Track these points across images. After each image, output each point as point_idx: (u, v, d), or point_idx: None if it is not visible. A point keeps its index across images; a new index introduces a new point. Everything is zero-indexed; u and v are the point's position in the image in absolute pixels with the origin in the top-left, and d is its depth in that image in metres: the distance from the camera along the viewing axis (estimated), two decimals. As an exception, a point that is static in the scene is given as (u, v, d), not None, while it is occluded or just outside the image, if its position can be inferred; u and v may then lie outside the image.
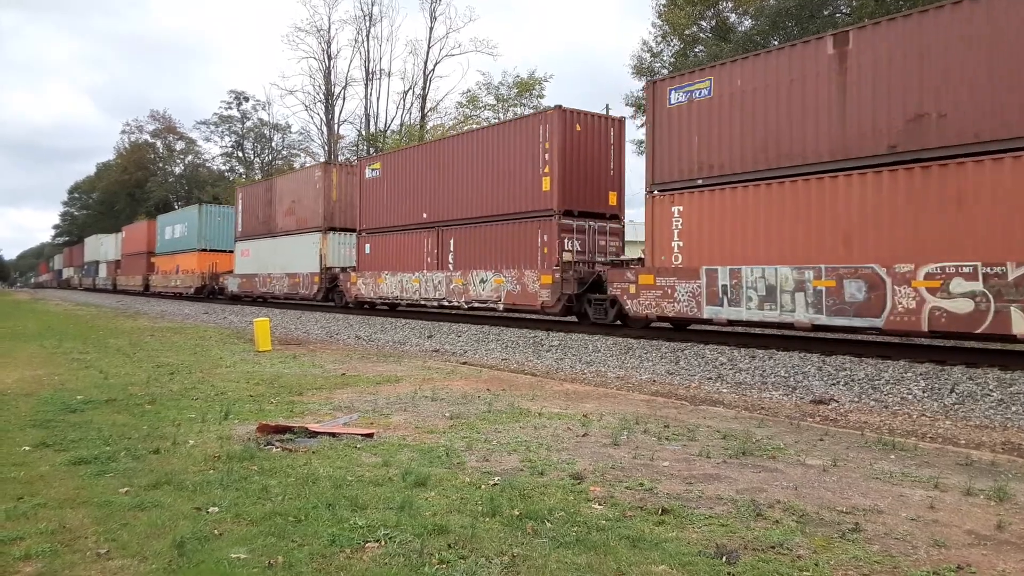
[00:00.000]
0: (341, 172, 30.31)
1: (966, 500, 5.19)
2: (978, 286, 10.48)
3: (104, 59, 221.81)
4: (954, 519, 4.78)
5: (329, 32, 65.26)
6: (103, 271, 67.54)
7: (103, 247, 68.56)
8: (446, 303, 22.14)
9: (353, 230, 28.22)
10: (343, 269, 28.54)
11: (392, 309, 27.34)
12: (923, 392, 9.94)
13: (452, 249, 22.10)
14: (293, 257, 31.61)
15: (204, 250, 42.87)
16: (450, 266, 22.11)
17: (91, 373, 11.64)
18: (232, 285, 38.01)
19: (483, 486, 5.38)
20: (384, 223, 25.64)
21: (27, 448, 6.53)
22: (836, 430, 7.90)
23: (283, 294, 32.18)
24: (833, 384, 10.78)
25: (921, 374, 10.72)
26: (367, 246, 26.48)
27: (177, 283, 45.70)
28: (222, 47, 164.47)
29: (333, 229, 29.50)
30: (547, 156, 18.57)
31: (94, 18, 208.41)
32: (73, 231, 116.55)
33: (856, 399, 9.99)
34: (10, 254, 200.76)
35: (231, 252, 40.28)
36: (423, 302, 23.09)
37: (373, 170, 26.44)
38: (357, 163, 28.85)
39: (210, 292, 41.64)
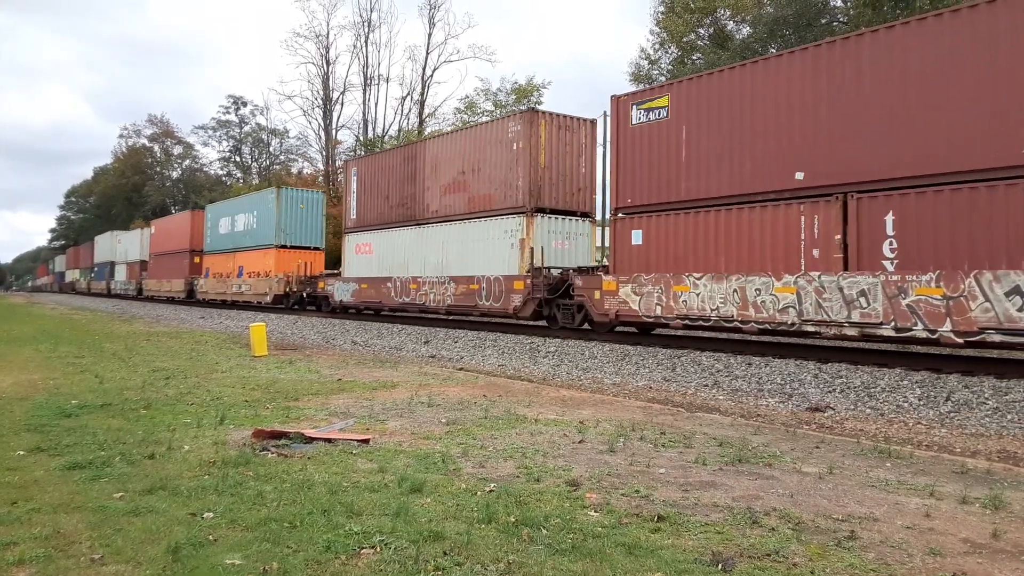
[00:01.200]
0: (552, 125, 20.34)
1: (962, 508, 5.20)
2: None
3: (100, 62, 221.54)
4: (950, 527, 4.78)
5: (328, 38, 65.54)
6: (121, 273, 59.13)
7: (121, 245, 60.18)
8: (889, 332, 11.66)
9: (570, 213, 20.48)
10: (579, 270, 18.38)
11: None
12: (919, 400, 9.95)
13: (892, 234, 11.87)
14: (465, 253, 21.86)
15: (284, 247, 33.30)
16: (887, 264, 11.91)
17: (86, 377, 11.61)
18: (342, 293, 27.72)
19: (479, 492, 5.37)
20: (687, 193, 15.23)
21: (21, 453, 6.51)
22: (832, 438, 7.91)
23: (445, 307, 22.08)
24: (829, 392, 10.79)
25: (917, 382, 10.74)
26: (638, 232, 16.21)
27: (243, 289, 35.74)
28: (220, 51, 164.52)
29: (541, 211, 19.97)
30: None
31: (89, 20, 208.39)
32: (70, 235, 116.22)
33: (852, 407, 9.99)
34: (6, 257, 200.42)
35: (317, 250, 34.06)
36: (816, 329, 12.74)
37: (648, 110, 16.23)
38: (614, 102, 17.07)
39: (298, 301, 32.18)
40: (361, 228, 27.58)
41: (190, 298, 43.11)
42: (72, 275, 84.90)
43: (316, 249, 34.18)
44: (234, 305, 37.78)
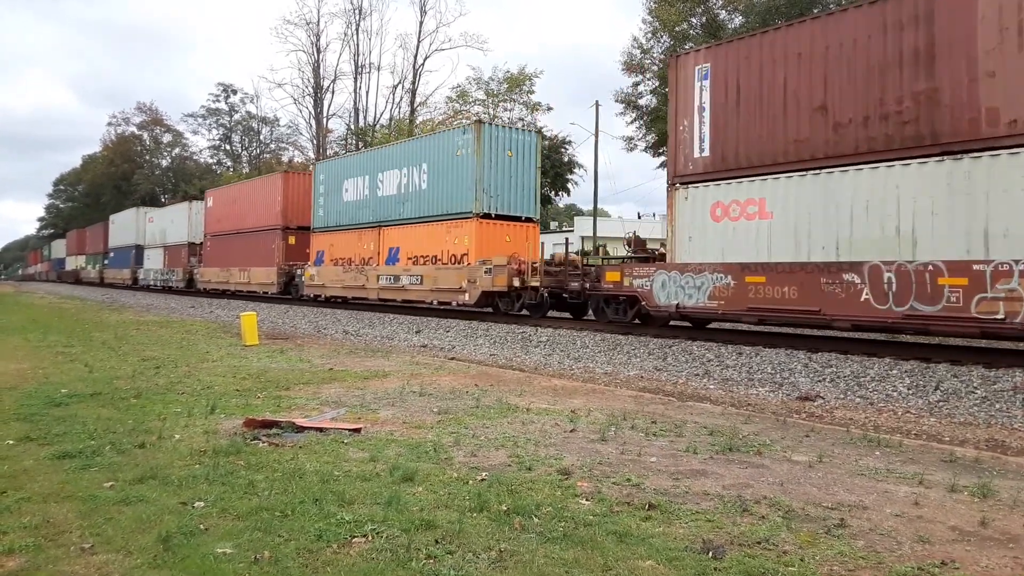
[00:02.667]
0: None
1: (950, 497, 5.24)
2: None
3: (82, 47, 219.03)
4: (938, 515, 4.82)
5: (318, 25, 65.11)
6: (156, 259, 47.05)
7: (155, 225, 48.23)
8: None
9: None
10: None
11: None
12: (908, 389, 10.01)
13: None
14: None
15: (488, 217, 20.98)
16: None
17: (76, 367, 11.55)
18: (679, 293, 14.90)
19: (471, 481, 5.38)
20: None
21: (11, 442, 6.47)
22: (822, 427, 7.95)
23: None
24: (819, 381, 10.85)
25: (906, 371, 10.80)
26: None
27: (407, 283, 23.15)
28: (207, 39, 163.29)
29: None
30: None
31: (71, 4, 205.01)
32: (59, 223, 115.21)
33: (842, 396, 10.05)
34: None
35: (531, 222, 21.88)
36: None
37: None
38: None
39: (535, 304, 20.00)
40: (728, 173, 14.24)
41: (288, 295, 31.26)
42: (75, 262, 73.53)
43: (530, 221, 21.75)
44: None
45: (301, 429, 6.98)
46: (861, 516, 4.77)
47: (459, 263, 21.07)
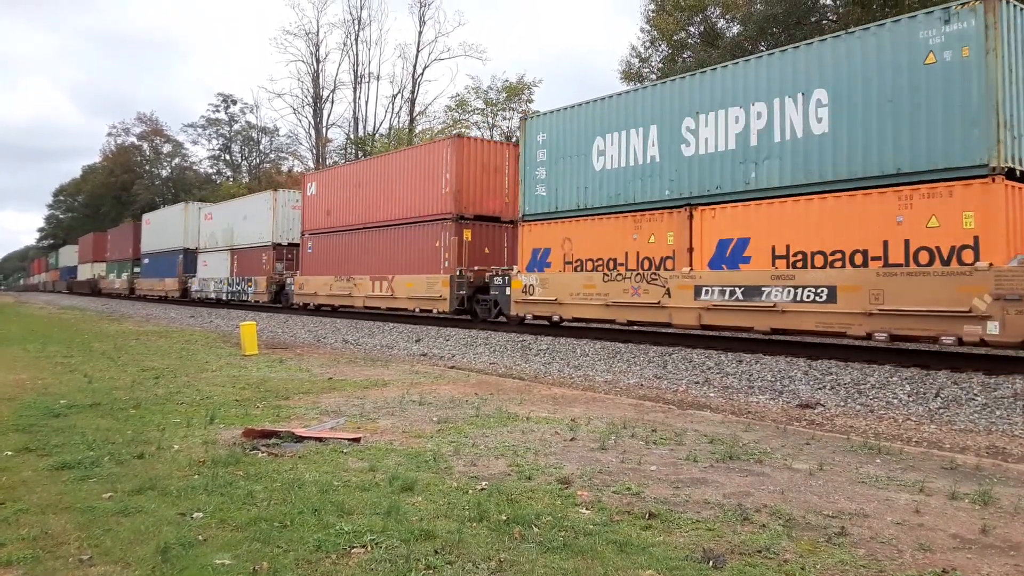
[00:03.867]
0: None
1: (951, 504, 5.22)
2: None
3: (81, 56, 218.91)
4: (939, 523, 4.80)
5: (318, 35, 65.24)
6: (215, 267, 37.56)
7: (215, 224, 38.60)
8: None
9: None
10: None
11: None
12: (908, 397, 10.00)
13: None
14: None
15: (1014, 175, 10.62)
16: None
17: (75, 377, 11.53)
18: None
19: (470, 491, 5.36)
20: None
21: (9, 453, 6.46)
22: (822, 434, 7.94)
23: None
24: (819, 388, 10.83)
25: (906, 379, 10.79)
26: None
27: (811, 298, 12.31)
28: (207, 48, 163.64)
29: None
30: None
31: (70, 13, 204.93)
32: (58, 234, 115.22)
33: (842, 403, 10.03)
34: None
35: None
36: None
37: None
38: None
39: None
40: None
41: (467, 314, 21.79)
42: (92, 271, 63.99)
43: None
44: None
45: (300, 439, 6.96)
46: (862, 524, 4.75)
47: (946, 261, 10.91)
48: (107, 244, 60.58)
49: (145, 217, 50.81)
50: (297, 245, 31.57)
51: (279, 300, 32.41)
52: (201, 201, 46.95)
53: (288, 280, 31.38)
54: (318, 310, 29.57)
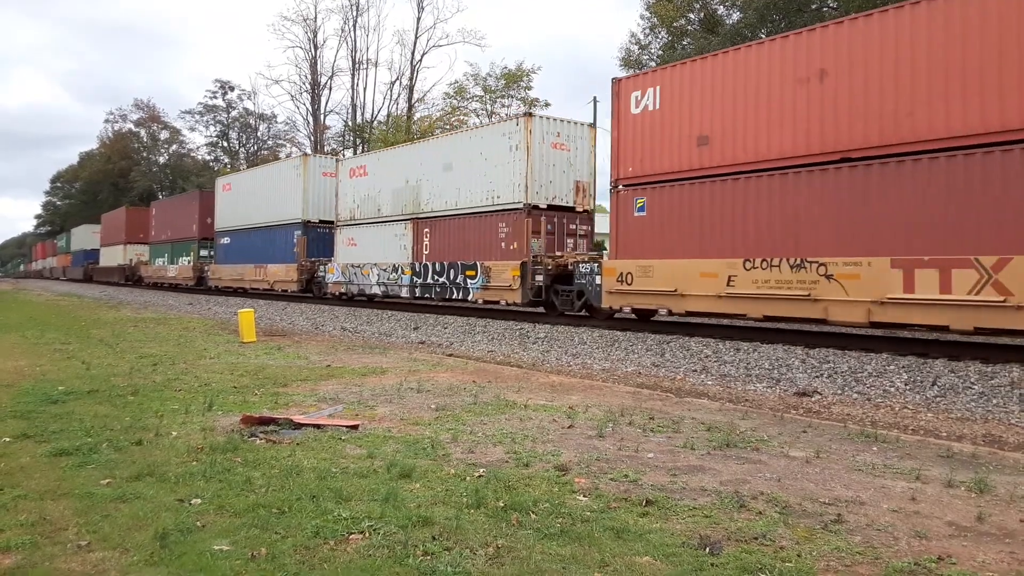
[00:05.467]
0: None
1: (947, 492, 5.24)
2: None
3: (72, 45, 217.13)
4: (935, 510, 4.82)
5: (315, 21, 64.95)
6: (381, 246, 24.64)
7: (367, 186, 25.75)
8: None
9: None
10: None
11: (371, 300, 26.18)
12: (905, 385, 10.02)
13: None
14: None
15: None
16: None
17: (73, 364, 11.53)
18: None
19: (468, 478, 5.38)
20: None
21: (7, 439, 6.46)
22: (819, 422, 7.96)
23: None
24: (816, 376, 10.85)
25: (904, 367, 10.81)
26: None
27: None
28: (203, 35, 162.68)
29: None
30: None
31: (59, 1, 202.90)
32: (56, 221, 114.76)
33: (839, 391, 10.06)
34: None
35: None
36: None
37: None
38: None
39: None
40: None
41: None
42: (127, 254, 52.15)
43: None
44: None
45: (298, 426, 6.97)
46: (858, 511, 4.77)
47: None
48: (150, 221, 48.49)
49: (222, 182, 38.13)
50: (562, 209, 19.76)
51: (546, 302, 18.81)
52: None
53: (589, 268, 17.14)
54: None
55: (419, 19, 61.77)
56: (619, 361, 12.99)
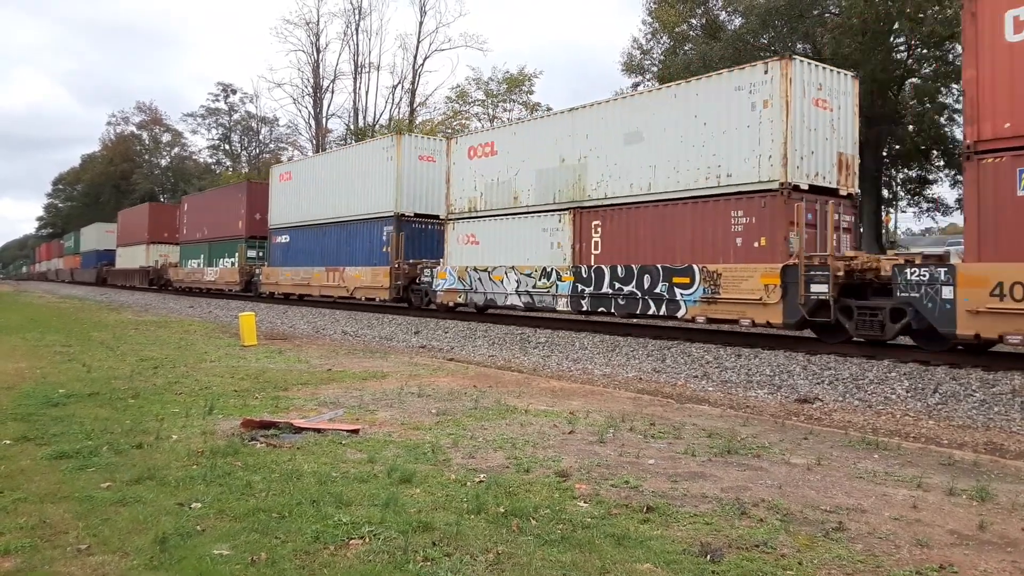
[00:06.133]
0: None
1: (949, 500, 5.23)
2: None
3: (76, 46, 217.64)
4: (937, 519, 4.81)
5: (318, 25, 64.83)
6: (518, 246, 19.13)
7: (496, 167, 19.93)
8: None
9: None
10: None
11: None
12: (907, 392, 10.00)
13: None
14: None
15: None
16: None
17: (74, 366, 11.53)
18: None
19: (469, 483, 5.37)
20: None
21: (8, 442, 6.46)
22: (820, 429, 7.94)
23: None
24: (818, 383, 10.84)
25: (905, 374, 10.79)
26: None
27: None
28: (208, 37, 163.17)
29: None
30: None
31: (61, 2, 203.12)
32: (58, 223, 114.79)
33: (840, 398, 10.04)
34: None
35: None
36: None
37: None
38: None
39: None
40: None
41: None
42: (151, 255, 47.16)
43: None
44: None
45: (299, 430, 6.97)
46: (859, 519, 4.76)
47: None
48: (180, 218, 42.98)
49: (278, 171, 32.50)
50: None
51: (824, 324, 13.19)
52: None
53: (927, 275, 11.46)
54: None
55: (421, 23, 61.81)
56: (620, 367, 12.98)
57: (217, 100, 79.38)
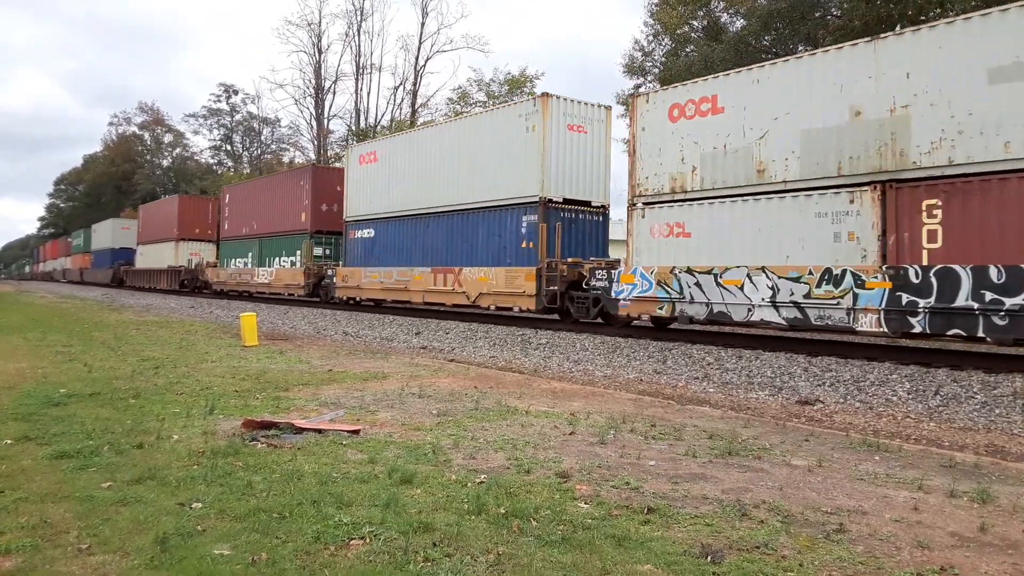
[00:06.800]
0: None
1: (950, 502, 5.22)
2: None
3: (77, 46, 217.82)
4: (938, 521, 4.80)
5: (320, 26, 64.99)
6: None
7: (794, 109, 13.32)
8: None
9: None
10: None
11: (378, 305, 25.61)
12: (908, 394, 10.00)
13: None
14: None
15: None
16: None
17: (75, 366, 11.54)
18: None
19: (469, 484, 5.36)
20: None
21: (9, 441, 6.46)
22: (821, 431, 7.94)
23: None
24: (819, 385, 10.83)
25: (906, 376, 10.79)
26: None
27: None
28: (209, 38, 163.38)
29: None
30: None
31: (62, 1, 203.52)
32: (59, 223, 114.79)
33: (841, 400, 10.03)
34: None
35: None
36: None
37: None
38: None
39: None
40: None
41: None
42: (180, 254, 42.77)
43: None
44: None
45: (300, 430, 6.97)
46: (860, 521, 4.76)
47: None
48: (221, 211, 38.25)
49: (358, 152, 26.86)
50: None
51: None
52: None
53: None
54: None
55: (423, 24, 62.17)
56: (621, 368, 12.97)
57: (219, 101, 79.54)
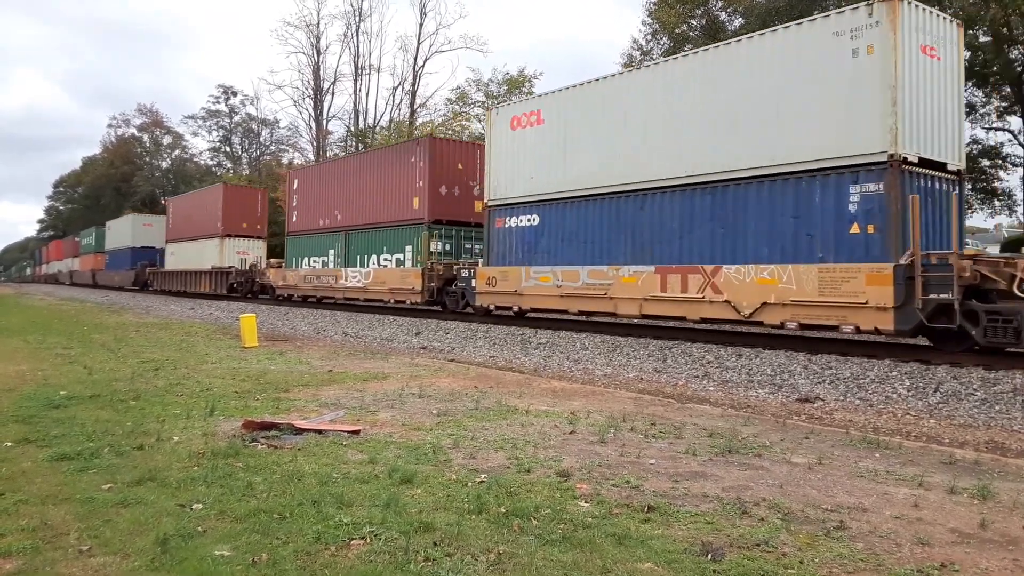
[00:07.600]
0: None
1: (950, 499, 5.23)
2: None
3: (75, 47, 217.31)
4: (938, 517, 4.81)
5: (318, 27, 64.92)
6: None
7: None
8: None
9: None
10: None
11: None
12: (908, 391, 10.00)
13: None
14: None
15: None
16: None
17: (75, 368, 11.54)
18: None
19: (469, 483, 5.37)
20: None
21: (9, 444, 6.47)
22: (821, 428, 7.94)
23: None
24: (819, 383, 10.83)
25: (906, 373, 10.79)
26: None
27: None
28: (208, 39, 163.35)
29: None
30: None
31: (60, 2, 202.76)
32: (59, 225, 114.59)
33: (841, 398, 10.04)
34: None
35: None
36: None
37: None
38: None
39: None
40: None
41: None
42: (225, 254, 37.13)
43: None
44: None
45: (300, 431, 6.97)
46: (860, 518, 4.76)
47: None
48: (288, 200, 32.30)
49: (510, 113, 19.93)
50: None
51: None
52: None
53: None
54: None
55: (421, 25, 62.11)
56: (621, 367, 12.98)
57: (218, 102, 79.47)
